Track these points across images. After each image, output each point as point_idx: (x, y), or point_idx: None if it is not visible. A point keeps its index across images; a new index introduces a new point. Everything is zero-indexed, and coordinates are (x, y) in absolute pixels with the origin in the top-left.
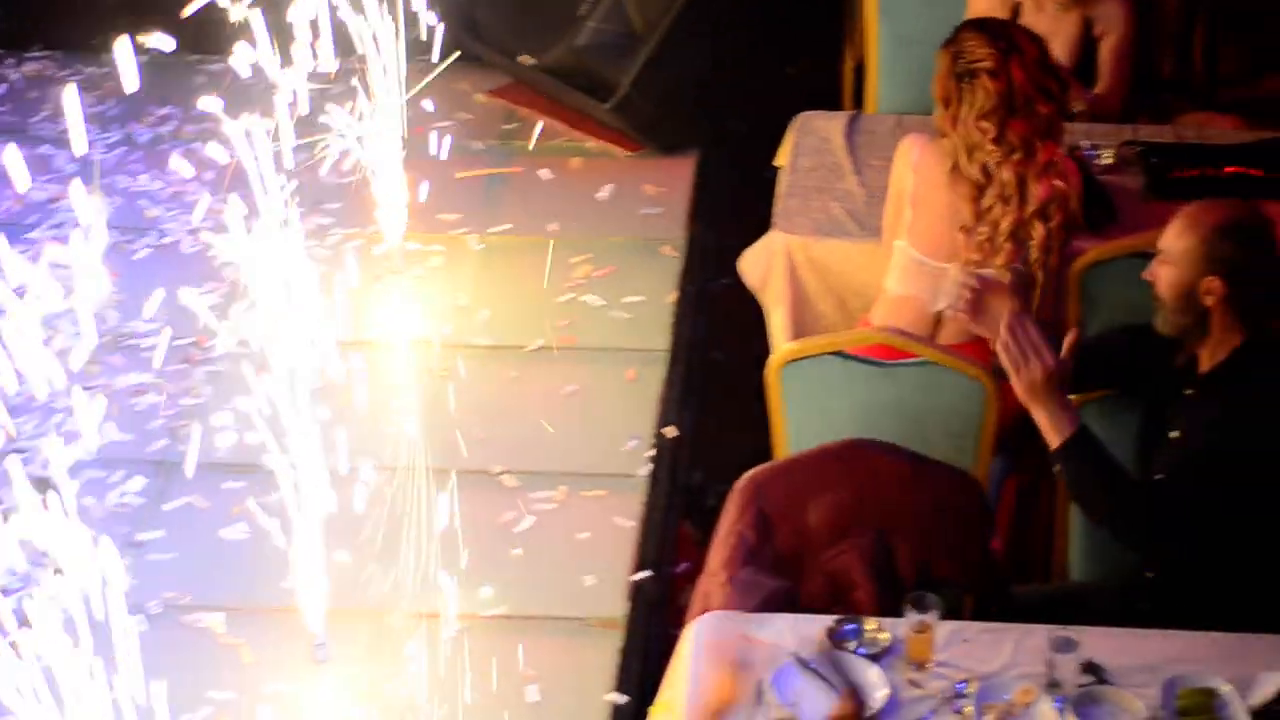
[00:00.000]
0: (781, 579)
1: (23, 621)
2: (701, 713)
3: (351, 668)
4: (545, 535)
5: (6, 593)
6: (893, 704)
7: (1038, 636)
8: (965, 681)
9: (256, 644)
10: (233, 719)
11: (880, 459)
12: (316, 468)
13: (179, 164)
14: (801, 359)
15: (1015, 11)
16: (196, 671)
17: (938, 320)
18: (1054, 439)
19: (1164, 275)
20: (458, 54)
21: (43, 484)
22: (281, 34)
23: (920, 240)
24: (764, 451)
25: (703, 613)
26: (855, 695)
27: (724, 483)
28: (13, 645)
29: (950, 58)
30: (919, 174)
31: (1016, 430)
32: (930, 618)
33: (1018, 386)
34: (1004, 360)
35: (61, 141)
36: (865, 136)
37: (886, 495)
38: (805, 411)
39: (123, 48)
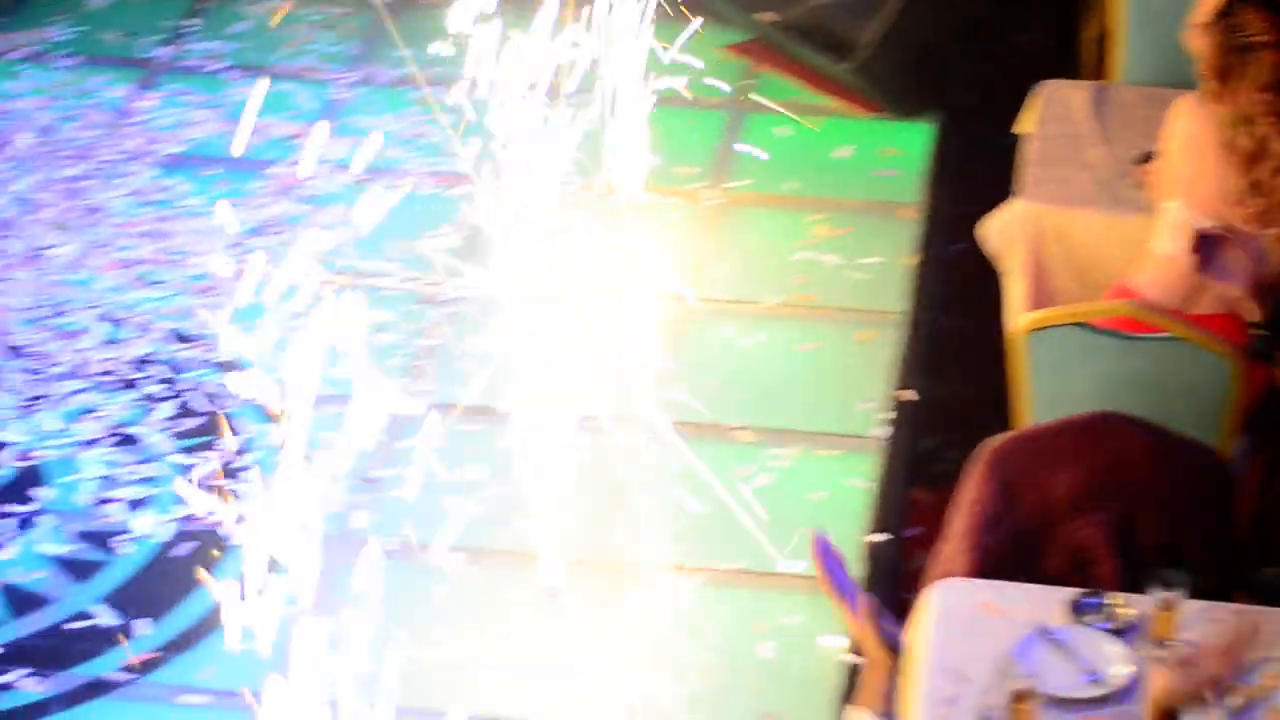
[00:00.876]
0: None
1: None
2: (941, 679)
3: (585, 616)
4: (780, 493)
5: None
6: (1135, 682)
7: None
8: None
9: (491, 587)
10: (464, 660)
11: (1128, 433)
12: (554, 415)
13: (416, 107)
14: (1046, 328)
15: None
16: (430, 610)
17: (1200, 285)
18: None
19: None
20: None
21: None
22: None
23: (1193, 203)
24: (998, 418)
25: (942, 578)
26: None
27: (957, 448)
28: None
29: (1223, 31)
30: (1191, 138)
31: (1262, 409)
32: (1176, 595)
33: None
34: None
35: (302, 78)
36: (1114, 108)
37: (1133, 470)
38: (1047, 381)
39: None
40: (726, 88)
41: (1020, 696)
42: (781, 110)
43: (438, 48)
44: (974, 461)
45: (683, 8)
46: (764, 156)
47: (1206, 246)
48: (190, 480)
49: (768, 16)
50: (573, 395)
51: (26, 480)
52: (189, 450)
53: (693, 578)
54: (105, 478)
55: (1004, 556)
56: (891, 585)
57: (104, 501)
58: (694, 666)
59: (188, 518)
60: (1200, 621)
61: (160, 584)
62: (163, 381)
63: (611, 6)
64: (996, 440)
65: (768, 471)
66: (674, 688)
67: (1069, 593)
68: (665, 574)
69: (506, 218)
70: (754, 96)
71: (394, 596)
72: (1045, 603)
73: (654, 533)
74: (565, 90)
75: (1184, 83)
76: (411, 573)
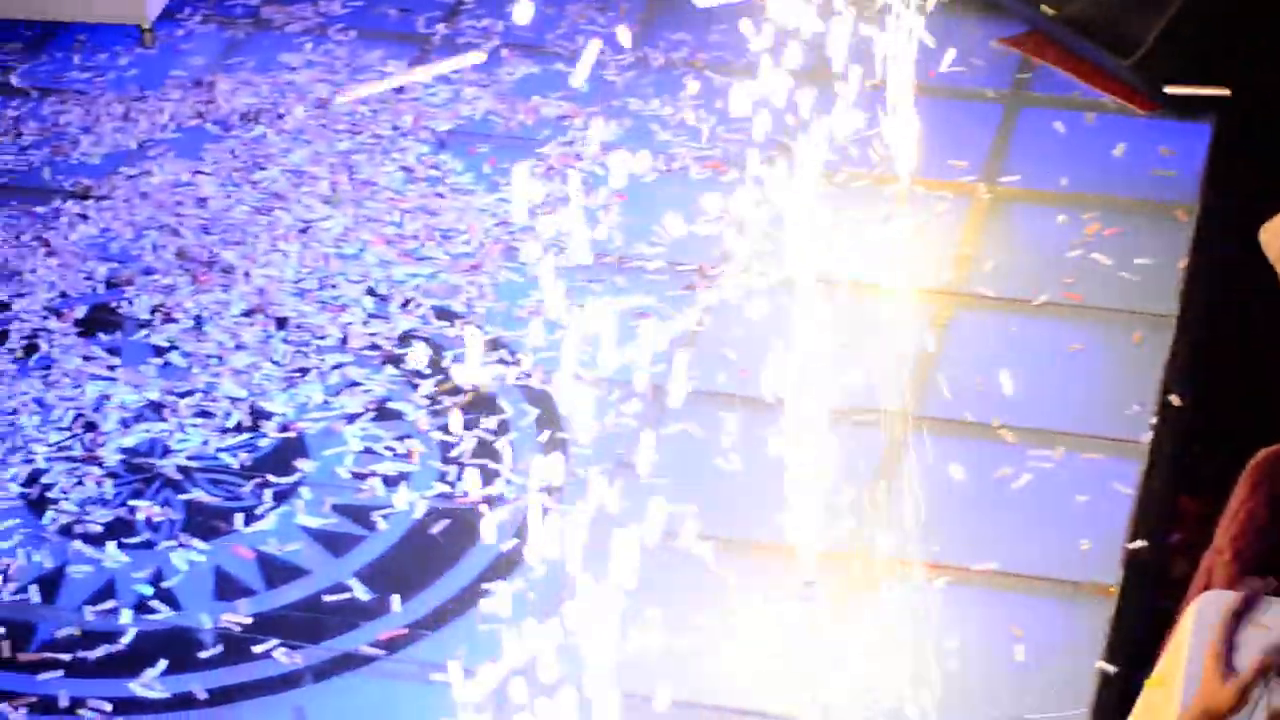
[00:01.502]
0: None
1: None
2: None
3: (836, 610)
4: (1041, 494)
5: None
6: None
7: None
8: None
9: (744, 577)
10: (716, 648)
11: None
12: (813, 406)
13: (690, 91)
14: None
15: None
16: (684, 597)
17: None
18: None
19: None
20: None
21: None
22: None
23: None
24: (1271, 428)
25: (1205, 590)
26: None
27: (1227, 456)
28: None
29: None
30: None
31: None
32: None
33: None
34: None
35: (575, 59)
36: None
37: None
38: None
39: None
40: (1001, 80)
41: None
42: (1057, 105)
43: (716, 32)
44: (1247, 470)
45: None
46: (1037, 152)
47: None
48: (449, 458)
49: (1048, 9)
50: (833, 387)
51: (287, 452)
52: (448, 428)
53: (946, 576)
54: (365, 452)
55: (1269, 570)
56: (1152, 594)
57: (362, 476)
58: (945, 668)
59: (444, 495)
60: None
61: (415, 561)
62: (425, 358)
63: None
64: (1271, 450)
65: (1029, 472)
66: (924, 689)
67: None
68: (918, 572)
69: (775, 206)
70: (1029, 90)
71: (644, 582)
72: None
73: (909, 530)
74: (837, 78)
75: None
76: (662, 560)
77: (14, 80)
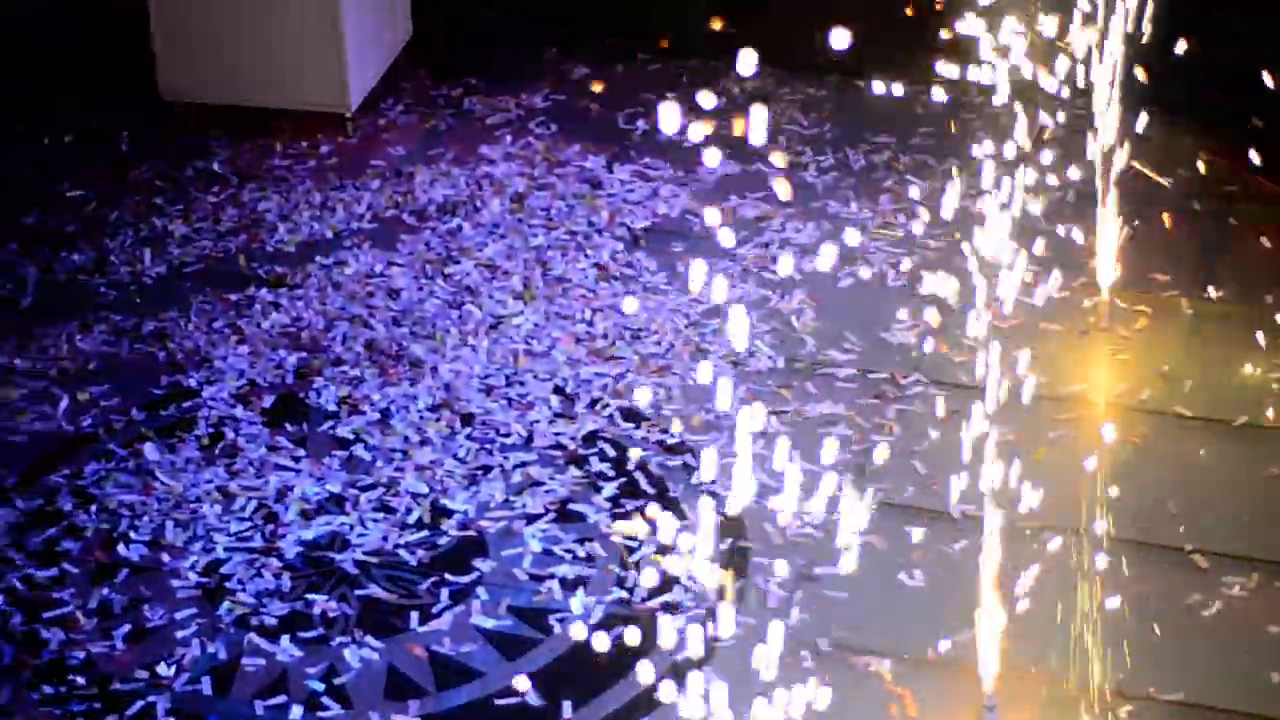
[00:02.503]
0: None
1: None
2: None
3: None
4: (1233, 623)
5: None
6: None
7: None
8: None
9: (923, 695)
10: None
11: None
12: (1000, 522)
13: (889, 194)
14: None
15: None
16: (863, 711)
17: None
18: None
19: None
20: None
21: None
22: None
23: None
24: None
25: None
26: None
27: None
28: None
29: None
30: None
31: None
32: None
33: None
34: None
35: (775, 158)
36: None
37: None
38: None
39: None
40: (1208, 192)
41: None
42: (1264, 219)
43: (918, 133)
44: None
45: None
46: (1243, 267)
47: None
48: (628, 563)
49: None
50: (1022, 503)
51: (466, 550)
52: (629, 534)
53: (1130, 704)
54: (544, 554)
55: None
56: None
57: (540, 578)
58: None
59: (621, 601)
60: None
61: (589, 667)
62: (609, 460)
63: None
64: None
65: (1221, 599)
66: None
67: None
68: (1102, 698)
69: (975, 313)
70: (1238, 204)
71: (821, 696)
72: None
73: (1093, 654)
74: (1043, 188)
75: None
76: (841, 673)
77: (215, 166)
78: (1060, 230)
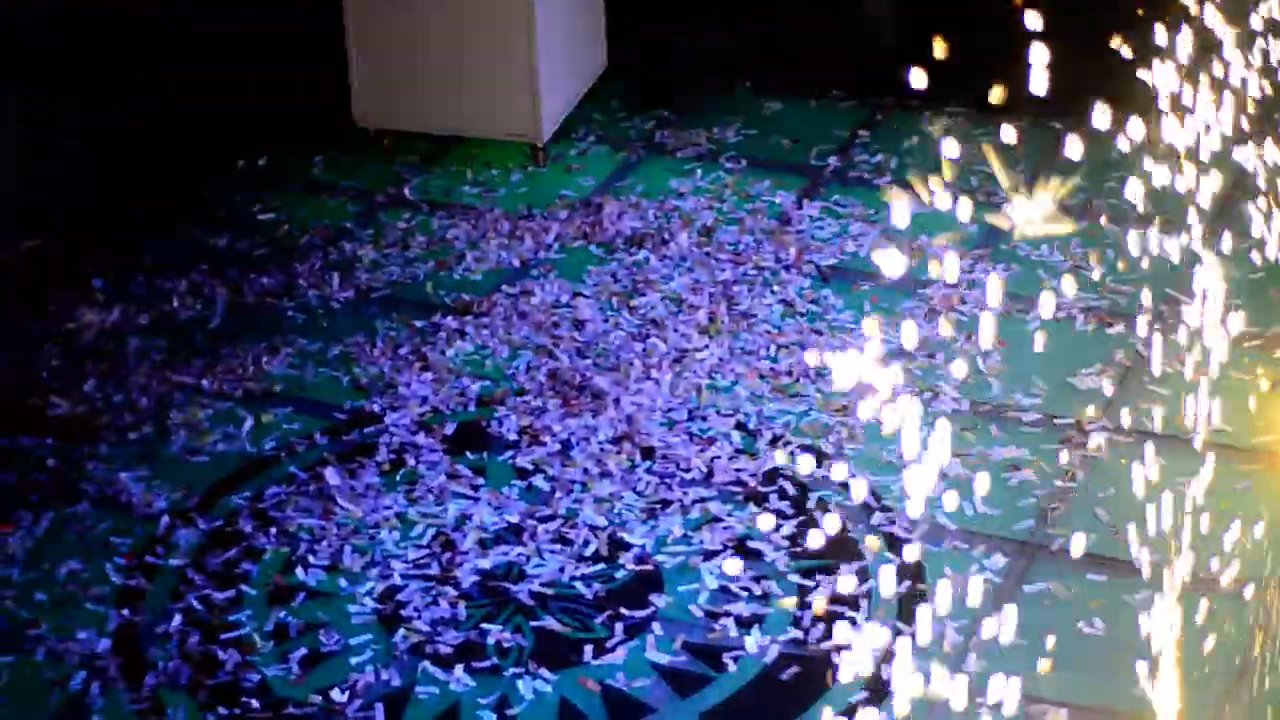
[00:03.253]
0: None
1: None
2: None
3: None
4: None
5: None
6: None
7: None
8: None
9: None
10: None
11: None
12: (1184, 573)
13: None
14: None
15: None
16: None
17: None
18: None
19: None
20: None
21: (897, 545)
22: None
23: None
24: None
25: None
26: None
27: None
28: None
29: None
30: None
31: None
32: None
33: None
34: None
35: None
36: None
37: None
38: None
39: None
40: None
41: None
42: None
43: (1112, 174)
44: None
45: None
46: None
47: None
48: (806, 604)
49: None
50: (1207, 555)
51: (643, 584)
52: (807, 573)
53: None
54: (720, 590)
55: None
56: None
57: (716, 615)
58: None
59: (797, 641)
60: None
61: (763, 706)
62: (789, 498)
63: None
64: None
65: None
66: None
67: None
68: None
69: (1164, 362)
70: None
71: None
72: None
73: (1274, 709)
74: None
75: None
76: None
77: (407, 193)
78: (1255, 277)
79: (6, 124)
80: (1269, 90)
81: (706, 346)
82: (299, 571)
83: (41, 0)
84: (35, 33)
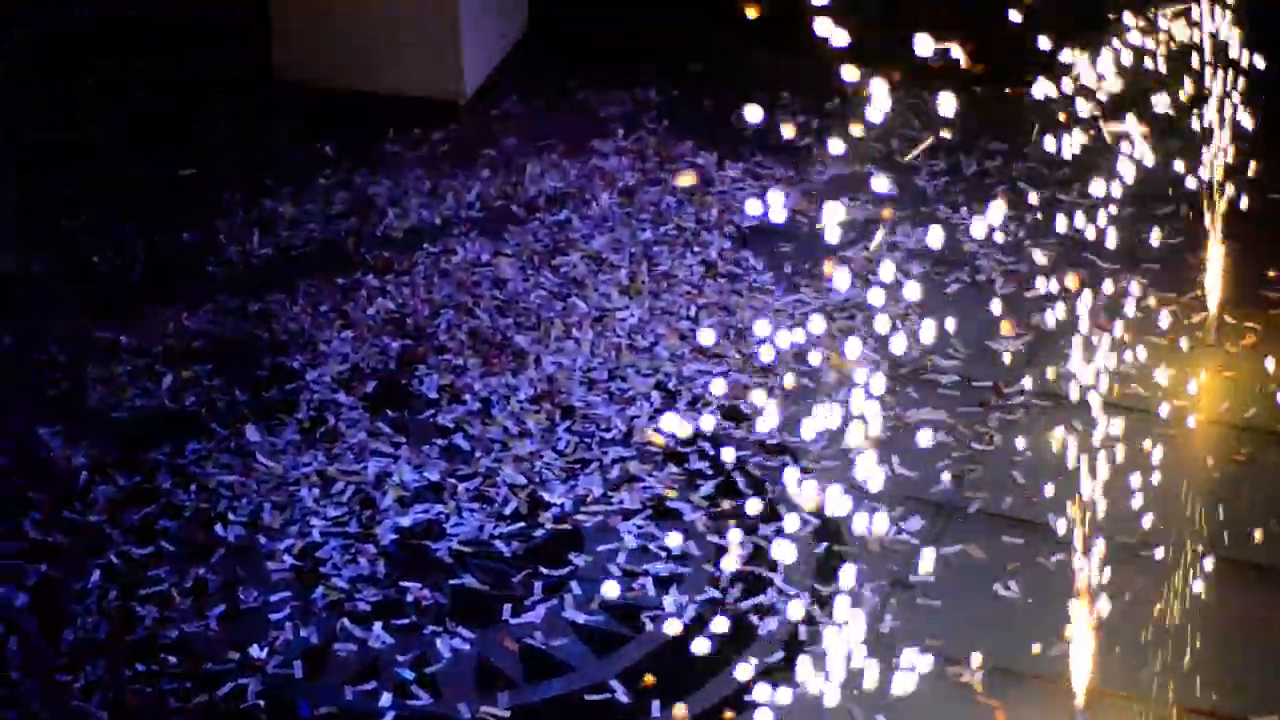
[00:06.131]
0: None
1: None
2: None
3: None
4: None
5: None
6: None
7: None
8: None
9: (1013, 708)
10: None
11: None
12: (1097, 536)
13: (1001, 201)
14: None
15: None
16: None
17: None
18: None
19: None
20: None
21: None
22: None
23: None
24: None
25: None
26: None
27: None
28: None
29: None
30: None
31: None
32: None
33: None
34: None
35: (887, 162)
36: None
37: None
38: None
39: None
40: None
41: None
42: None
43: (1032, 144)
44: None
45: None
46: None
47: None
48: (721, 562)
49: None
50: (1121, 518)
51: (562, 544)
52: (724, 533)
53: None
54: (638, 550)
55: None
56: None
57: (634, 575)
58: None
59: (714, 600)
60: None
61: (679, 666)
62: (708, 458)
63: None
64: None
65: None
66: None
67: None
68: (1196, 717)
69: (1079, 323)
70: None
71: (909, 707)
72: None
73: (1186, 673)
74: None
75: None
76: (930, 683)
77: (327, 149)
78: (1170, 244)
79: None
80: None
81: (627, 307)
82: (218, 528)
83: None
84: None
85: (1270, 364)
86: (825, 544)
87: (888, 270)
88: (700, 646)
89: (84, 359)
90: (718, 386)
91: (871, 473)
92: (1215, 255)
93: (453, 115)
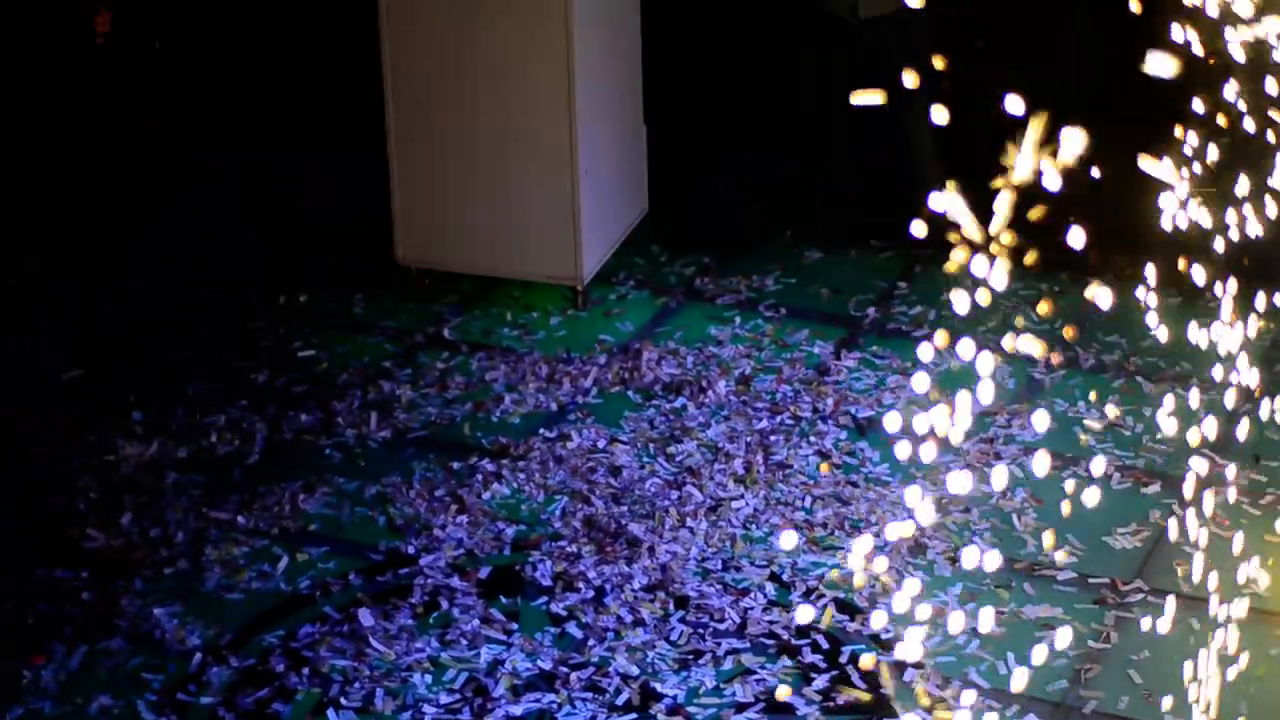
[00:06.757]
0: None
1: None
2: None
3: None
4: None
5: None
6: None
7: None
8: None
9: None
10: None
11: None
12: None
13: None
14: None
15: None
16: None
17: None
18: None
19: None
20: None
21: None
22: None
23: None
24: None
25: None
26: None
27: None
28: None
29: None
30: None
31: None
32: None
33: None
34: None
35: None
36: None
37: None
38: None
39: None
40: None
41: None
42: None
43: (1152, 336)
44: None
45: None
46: None
47: None
48: None
49: None
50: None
51: None
52: None
53: None
54: None
55: None
56: None
57: None
58: None
59: None
60: None
61: None
62: (822, 652)
63: None
64: None
65: None
66: None
67: None
68: None
69: (1199, 523)
70: None
71: None
72: None
73: None
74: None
75: None
76: None
77: (445, 333)
78: None
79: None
80: None
81: (742, 496)
82: (331, 713)
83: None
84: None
85: None
86: None
87: (1000, 474)
88: None
89: (202, 540)
90: (833, 578)
91: (987, 669)
92: None
93: (570, 300)
